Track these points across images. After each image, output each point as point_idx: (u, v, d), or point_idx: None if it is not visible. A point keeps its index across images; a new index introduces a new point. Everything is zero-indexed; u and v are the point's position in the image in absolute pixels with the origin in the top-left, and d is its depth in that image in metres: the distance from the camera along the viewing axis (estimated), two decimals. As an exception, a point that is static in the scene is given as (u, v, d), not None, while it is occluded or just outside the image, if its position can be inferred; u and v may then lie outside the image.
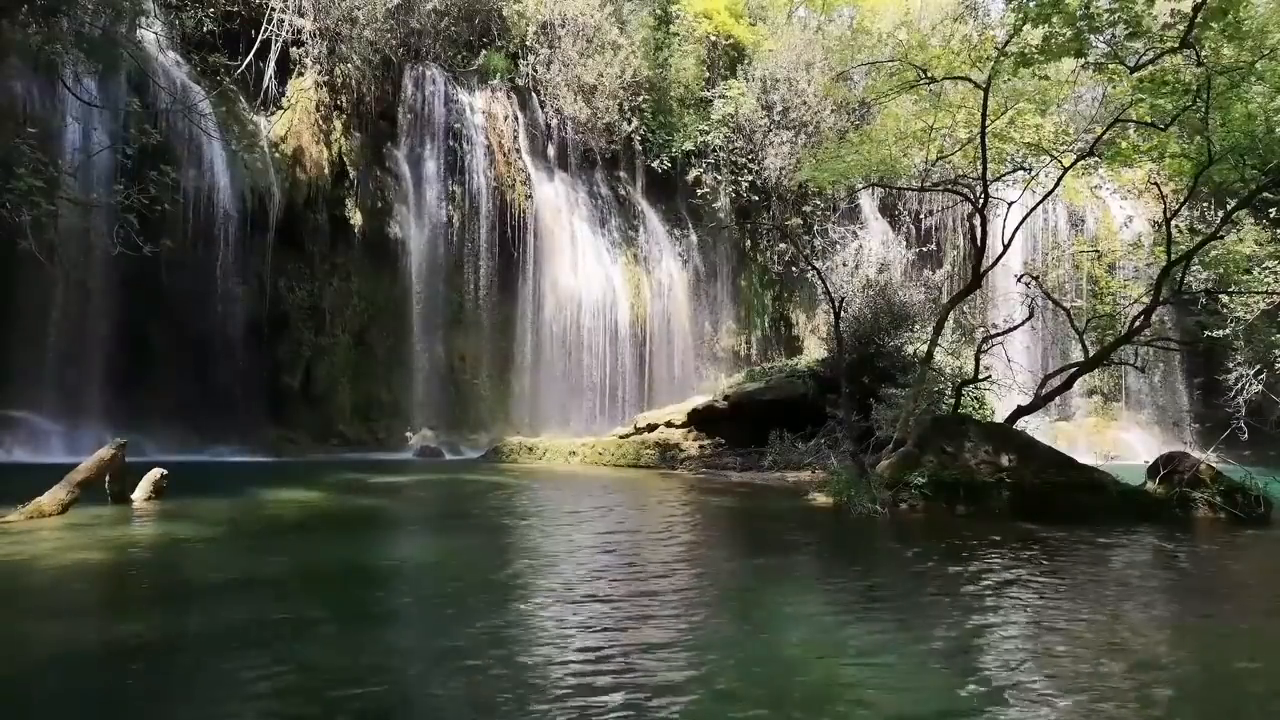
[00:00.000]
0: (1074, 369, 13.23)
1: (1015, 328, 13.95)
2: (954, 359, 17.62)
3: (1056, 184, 13.33)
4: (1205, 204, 19.48)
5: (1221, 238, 14.19)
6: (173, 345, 16.10)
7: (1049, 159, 13.32)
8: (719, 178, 25.11)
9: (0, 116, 13.16)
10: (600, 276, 22.87)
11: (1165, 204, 13.77)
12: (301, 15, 19.08)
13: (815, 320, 26.16)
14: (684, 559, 6.91)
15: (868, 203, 27.37)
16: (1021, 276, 14.23)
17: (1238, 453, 19.17)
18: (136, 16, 14.16)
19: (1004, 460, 9.97)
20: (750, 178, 25.32)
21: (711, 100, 25.34)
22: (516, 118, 22.71)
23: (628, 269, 23.61)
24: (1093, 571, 6.58)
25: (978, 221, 12.88)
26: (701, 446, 16.84)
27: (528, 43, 23.05)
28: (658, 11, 25.62)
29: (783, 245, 25.96)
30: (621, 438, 17.85)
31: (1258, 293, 17.18)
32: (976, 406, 15.16)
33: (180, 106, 15.44)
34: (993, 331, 14.83)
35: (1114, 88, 13.13)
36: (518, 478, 13.46)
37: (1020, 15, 10.46)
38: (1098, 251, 26.03)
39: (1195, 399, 24.40)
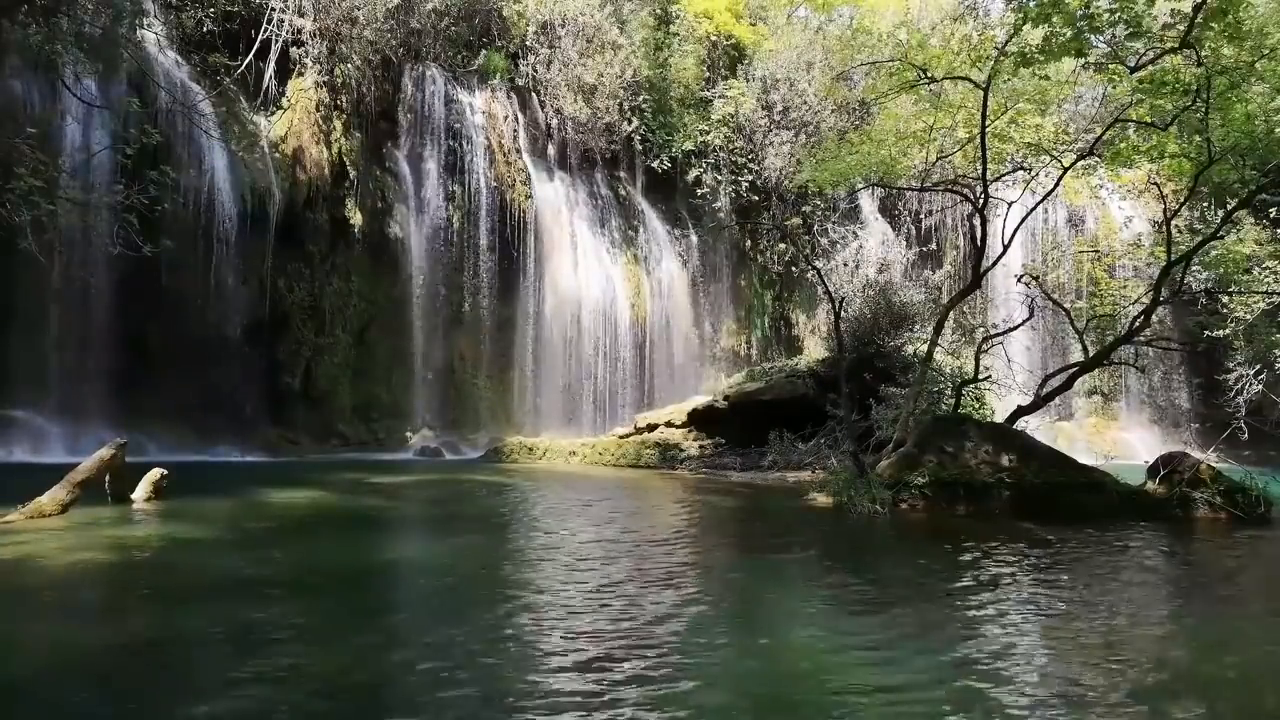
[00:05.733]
0: (1074, 369, 13.24)
1: (1015, 328, 13.96)
2: (954, 359, 17.63)
3: (1056, 184, 13.34)
4: (1205, 204, 19.45)
5: (1221, 238, 14.19)
6: (173, 345, 16.06)
7: (1049, 159, 13.33)
8: (719, 178, 25.08)
9: (0, 116, 13.15)
10: (600, 276, 22.85)
11: (1165, 204, 13.79)
12: (301, 15, 19.05)
13: (815, 320, 26.14)
14: (684, 559, 6.91)
15: (868, 203, 27.35)
16: (1021, 276, 14.24)
17: (1238, 453, 19.20)
18: (136, 16, 14.12)
19: (1004, 460, 9.97)
20: (750, 178, 25.29)
21: (711, 100, 25.31)
22: (516, 118, 22.69)
23: (628, 269, 23.60)
24: (1093, 572, 6.58)
25: (977, 221, 12.90)
26: (701, 446, 16.83)
27: (528, 43, 23.03)
28: (658, 11, 25.58)
29: (783, 245, 25.94)
30: (621, 438, 17.85)
31: (1258, 293, 17.20)
32: (976, 406, 15.15)
33: (180, 106, 15.43)
34: (993, 331, 14.84)
35: (1114, 88, 13.16)
36: (518, 478, 13.46)
37: (1020, 15, 10.47)
38: (1098, 251, 26.03)
39: (1195, 399, 24.39)
